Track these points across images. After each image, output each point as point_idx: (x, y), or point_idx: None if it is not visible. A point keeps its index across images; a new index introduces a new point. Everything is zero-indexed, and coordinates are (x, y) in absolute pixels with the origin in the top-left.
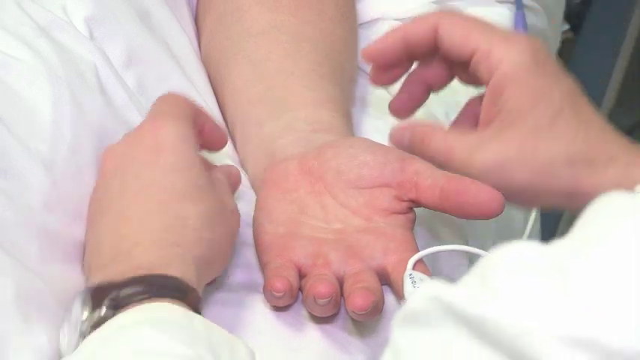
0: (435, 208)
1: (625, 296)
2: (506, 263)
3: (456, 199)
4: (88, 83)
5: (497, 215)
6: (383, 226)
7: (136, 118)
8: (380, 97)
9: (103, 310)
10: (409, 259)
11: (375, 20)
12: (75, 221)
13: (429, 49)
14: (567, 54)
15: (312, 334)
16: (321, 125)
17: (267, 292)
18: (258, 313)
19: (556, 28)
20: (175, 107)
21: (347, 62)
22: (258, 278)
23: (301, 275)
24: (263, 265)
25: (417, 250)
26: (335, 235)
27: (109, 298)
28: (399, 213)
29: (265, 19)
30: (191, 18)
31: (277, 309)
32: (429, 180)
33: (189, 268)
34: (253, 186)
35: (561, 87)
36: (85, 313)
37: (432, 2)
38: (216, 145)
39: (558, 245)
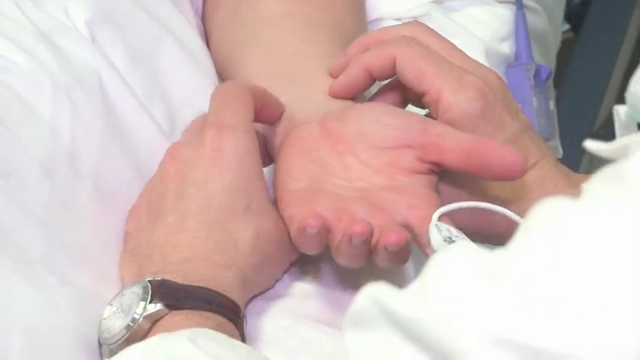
0: (458, 170)
1: (553, 298)
2: (443, 266)
3: (480, 160)
4: (90, 90)
5: (520, 177)
6: (406, 184)
7: (141, 122)
8: None
9: (159, 306)
10: (433, 214)
11: (377, 20)
12: (76, 226)
13: (390, 75)
14: (567, 54)
15: (321, 337)
16: None
17: (300, 234)
18: (267, 318)
19: (556, 28)
20: (239, 115)
21: None
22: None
23: (327, 229)
24: (288, 220)
25: (440, 206)
26: (358, 192)
27: (168, 297)
28: (422, 173)
29: (279, 7)
30: (193, 13)
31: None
32: (452, 141)
33: (236, 293)
34: (272, 155)
35: (505, 133)
36: (142, 304)
37: (431, 2)
38: (272, 120)
39: (499, 250)
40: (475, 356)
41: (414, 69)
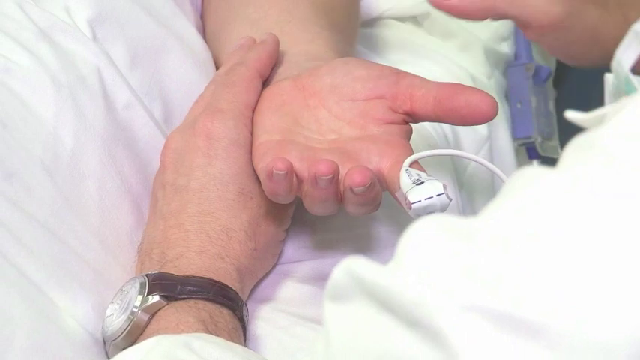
0: (429, 118)
1: (524, 267)
2: (417, 235)
3: (449, 104)
4: (91, 88)
5: (491, 119)
6: (378, 133)
7: (140, 120)
8: None
9: (156, 298)
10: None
11: (375, 19)
12: (79, 226)
13: None
14: None
15: (310, 336)
16: (315, 56)
17: (269, 178)
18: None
19: None
20: (235, 101)
21: (345, 26)
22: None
23: (298, 180)
24: (259, 172)
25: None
26: (330, 144)
27: (165, 288)
28: (395, 123)
29: None
30: (194, 13)
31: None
32: (422, 90)
33: (232, 281)
34: None
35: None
36: (140, 297)
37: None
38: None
39: (472, 218)
40: (448, 323)
41: None
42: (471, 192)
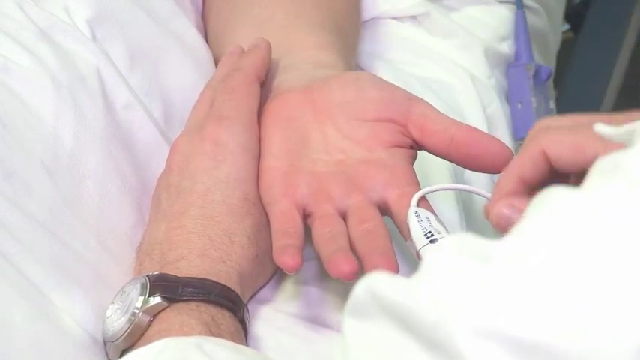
0: (439, 155)
1: (538, 289)
2: (437, 257)
3: (466, 150)
4: (91, 88)
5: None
6: (384, 157)
7: (140, 120)
8: None
9: (158, 299)
10: (410, 193)
11: (375, 19)
12: (78, 226)
13: (544, 174)
14: (567, 54)
15: (318, 337)
16: (323, 64)
17: (279, 258)
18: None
19: (556, 28)
20: (240, 107)
21: (349, 30)
22: None
23: (305, 214)
24: (266, 205)
25: (418, 184)
26: (336, 167)
27: (166, 289)
28: (402, 147)
29: None
30: (195, 12)
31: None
32: (437, 125)
33: (234, 284)
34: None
35: None
36: (141, 299)
37: (430, 1)
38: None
39: (493, 240)
40: (466, 346)
41: (569, 149)
42: (476, 219)
